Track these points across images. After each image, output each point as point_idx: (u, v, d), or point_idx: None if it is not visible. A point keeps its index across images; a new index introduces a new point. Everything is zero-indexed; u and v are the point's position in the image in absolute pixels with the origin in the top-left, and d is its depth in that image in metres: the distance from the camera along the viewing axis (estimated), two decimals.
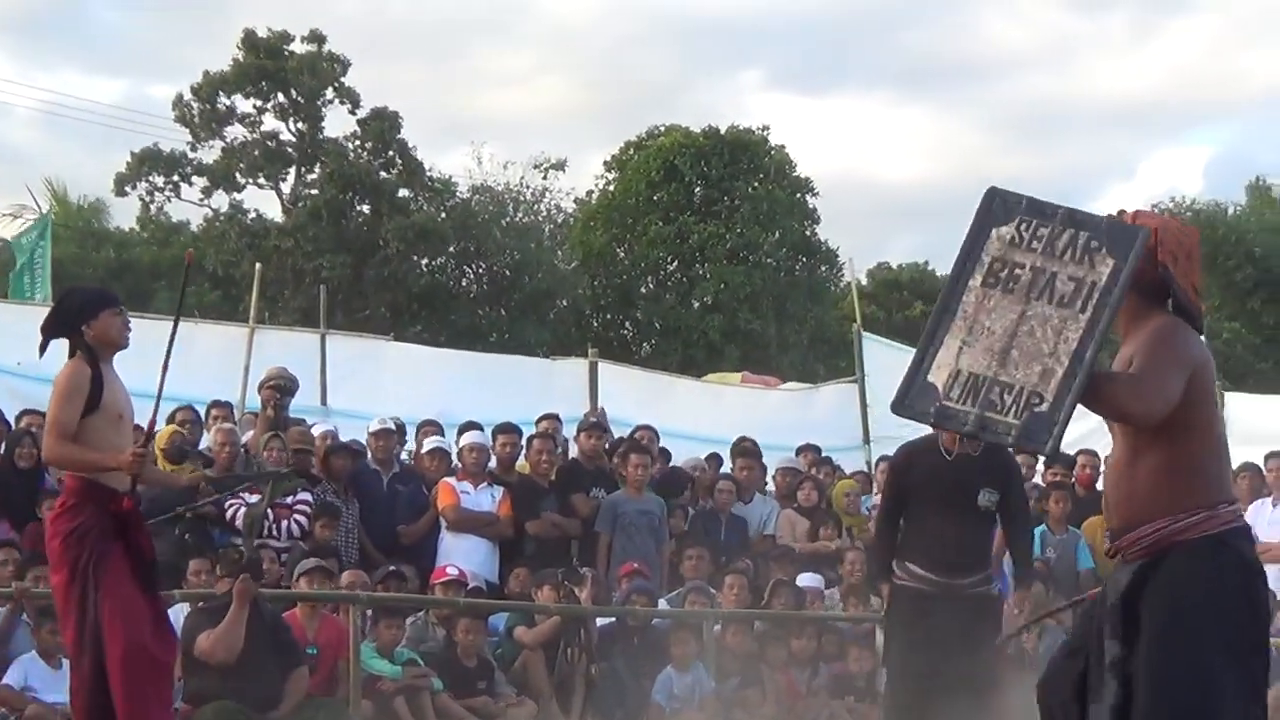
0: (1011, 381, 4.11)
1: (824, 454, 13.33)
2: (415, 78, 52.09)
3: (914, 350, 4.40)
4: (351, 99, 32.19)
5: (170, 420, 10.45)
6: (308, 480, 10.27)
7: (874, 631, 10.38)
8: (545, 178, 34.58)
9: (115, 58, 54.48)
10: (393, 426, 11.11)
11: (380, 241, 30.85)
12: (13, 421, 10.52)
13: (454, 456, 11.03)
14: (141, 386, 7.01)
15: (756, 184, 34.12)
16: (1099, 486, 12.15)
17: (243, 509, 9.70)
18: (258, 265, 15.77)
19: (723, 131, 34.32)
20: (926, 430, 8.73)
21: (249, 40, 31.79)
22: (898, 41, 59.40)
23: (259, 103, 32.07)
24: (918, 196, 59.44)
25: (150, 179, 32.30)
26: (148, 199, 32.66)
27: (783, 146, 35.07)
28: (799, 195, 34.96)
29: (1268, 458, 11.58)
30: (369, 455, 10.95)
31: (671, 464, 12.18)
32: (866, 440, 15.00)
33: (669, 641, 9.88)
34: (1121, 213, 4.54)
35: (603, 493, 10.91)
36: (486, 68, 54.06)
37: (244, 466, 10.49)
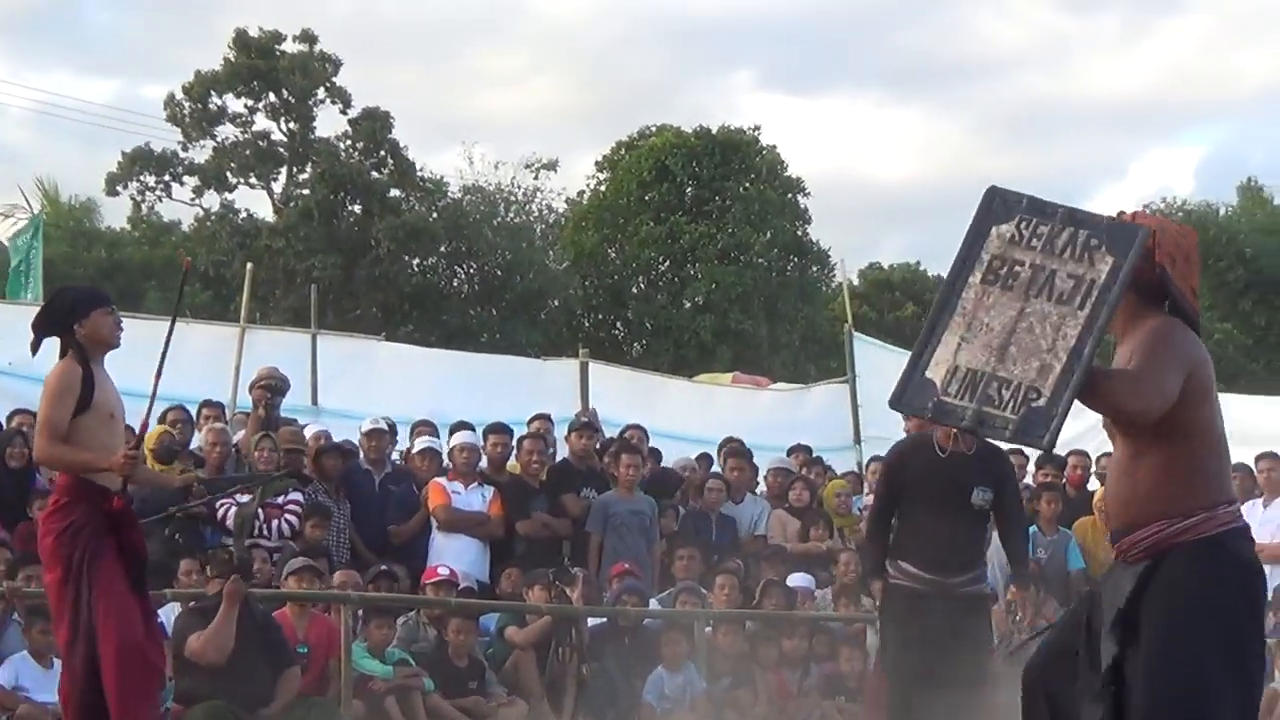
0: (1009, 377, 4.13)
1: (815, 454, 13.34)
2: (407, 78, 52.12)
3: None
4: (343, 99, 32.19)
5: (162, 420, 10.44)
6: (299, 480, 10.27)
7: (865, 632, 10.40)
8: (536, 178, 34.63)
9: (107, 57, 54.47)
10: (385, 427, 11.11)
11: (371, 241, 30.84)
12: (3, 421, 10.50)
13: (445, 456, 11.04)
14: (132, 385, 7.01)
15: (748, 184, 34.14)
16: (1090, 487, 12.20)
17: (234, 509, 9.70)
18: (249, 265, 15.75)
19: (714, 132, 34.34)
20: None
21: (240, 40, 31.77)
22: (889, 42, 59.51)
23: (250, 102, 32.06)
24: (909, 197, 59.54)
25: (141, 179, 32.26)
26: (139, 199, 32.66)
27: (774, 147, 35.13)
28: (790, 195, 34.99)
29: (1259, 459, 11.59)
30: (361, 455, 10.95)
31: (662, 464, 12.18)
32: (858, 440, 15.00)
33: (660, 642, 9.89)
34: (1121, 214, 4.55)
35: (593, 493, 10.92)
36: (478, 68, 54.09)
37: (235, 466, 10.49)
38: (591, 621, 9.94)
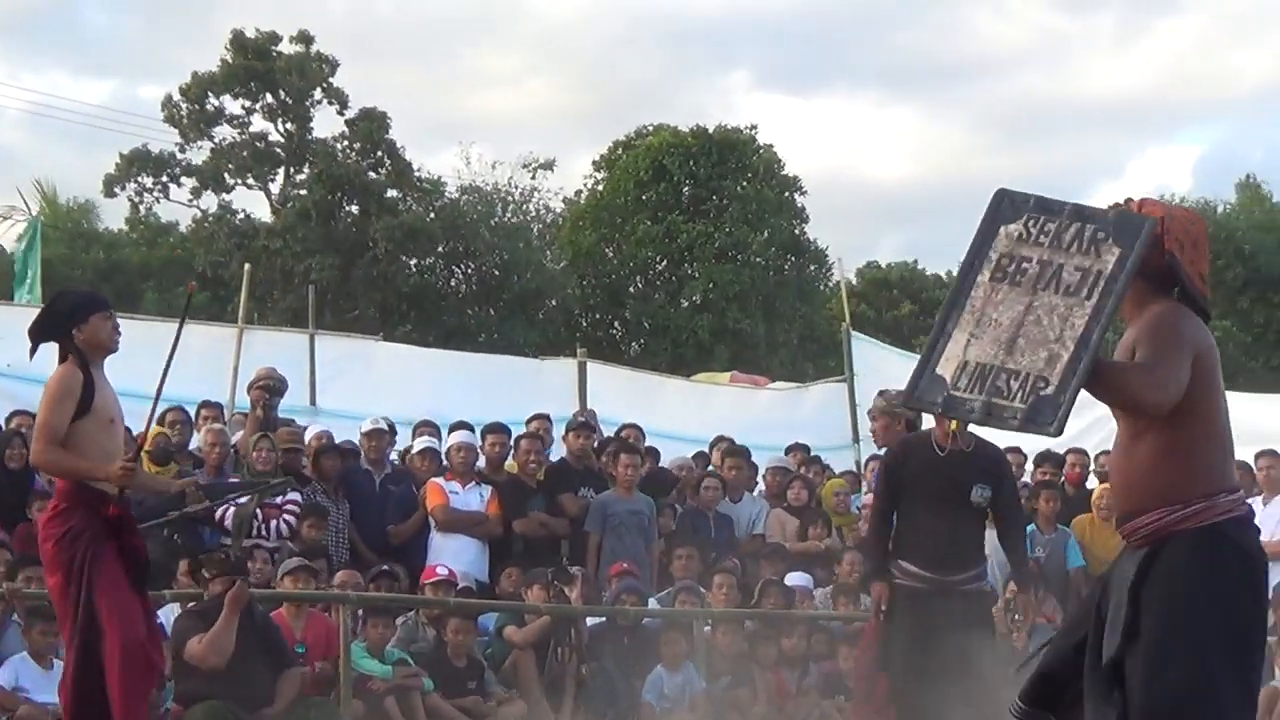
0: (1018, 368, 4.18)
1: (813, 453, 13.34)
2: (404, 78, 52.12)
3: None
4: (340, 99, 32.20)
5: (160, 421, 10.44)
6: (298, 480, 10.27)
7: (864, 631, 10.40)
8: (534, 177, 34.65)
9: (103, 59, 54.45)
10: (385, 427, 11.11)
11: (369, 242, 30.85)
12: (3, 422, 10.50)
13: (444, 456, 11.04)
14: (130, 386, 7.03)
15: (745, 183, 34.16)
16: (1089, 485, 12.20)
17: (232, 509, 9.69)
18: (246, 266, 15.75)
19: (711, 131, 34.35)
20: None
21: (237, 41, 31.79)
22: (886, 41, 59.55)
23: (247, 103, 32.08)
24: (907, 196, 59.58)
25: (139, 180, 32.28)
26: (137, 200, 32.66)
27: (771, 146, 35.16)
28: (787, 194, 35.00)
29: (1258, 456, 11.59)
30: (362, 456, 10.95)
31: (660, 464, 12.19)
32: (856, 439, 15.00)
33: (659, 641, 9.90)
34: (1128, 201, 4.57)
35: (591, 492, 10.92)
36: (475, 68, 54.11)
37: (234, 467, 10.49)
38: (590, 621, 9.94)
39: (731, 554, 11.16)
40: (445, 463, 10.91)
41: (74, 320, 6.56)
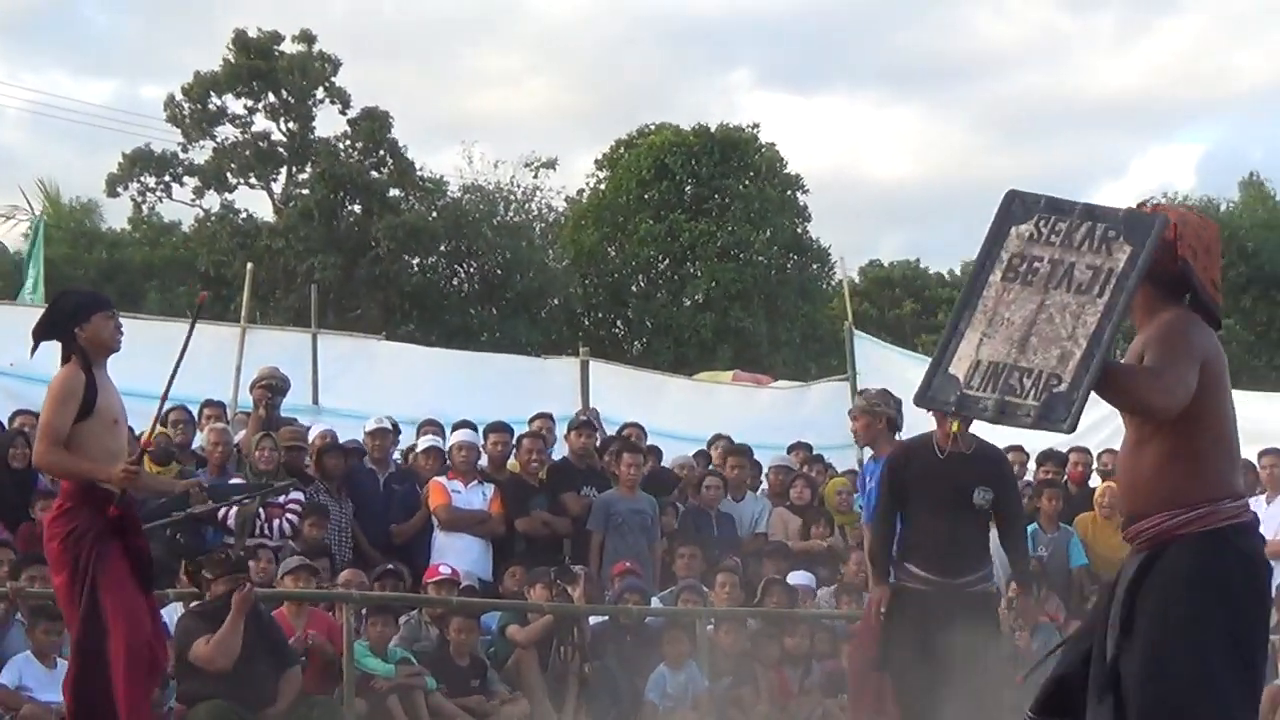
0: (1030, 366, 4.19)
1: (816, 452, 13.34)
2: (406, 77, 52.12)
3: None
4: (342, 99, 32.20)
5: (163, 421, 10.44)
6: (300, 479, 10.29)
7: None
8: (536, 176, 34.61)
9: (105, 58, 54.45)
10: (389, 426, 11.12)
11: (371, 241, 30.85)
12: (5, 422, 10.51)
13: (446, 455, 11.05)
14: (133, 386, 7.04)
15: (747, 182, 34.15)
16: (1091, 484, 12.21)
17: (235, 509, 9.70)
18: (249, 265, 15.76)
19: (713, 130, 34.34)
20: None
21: (240, 40, 31.79)
22: (888, 40, 59.52)
23: (250, 103, 32.07)
24: (908, 194, 59.58)
25: (142, 179, 32.29)
26: (139, 199, 32.68)
27: (773, 145, 35.13)
28: (789, 193, 34.99)
29: (1261, 455, 11.59)
30: (366, 455, 10.96)
31: (662, 463, 12.19)
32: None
33: (662, 640, 9.91)
34: (1142, 205, 4.58)
35: (593, 491, 10.93)
36: (477, 67, 54.09)
37: (236, 466, 10.50)
38: (593, 620, 9.95)
39: (733, 553, 11.17)
40: (449, 462, 10.93)
41: (77, 319, 6.57)
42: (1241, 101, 59.30)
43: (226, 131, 32.23)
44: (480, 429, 11.24)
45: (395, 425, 11.35)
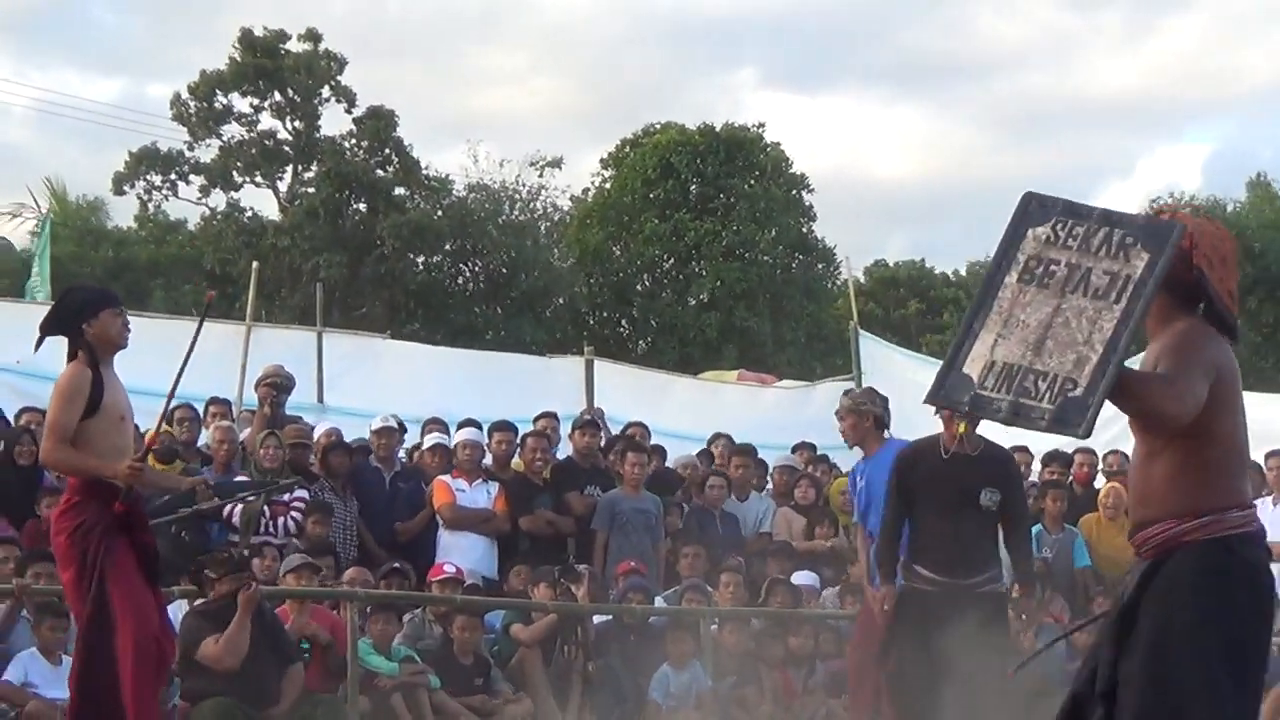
0: (1045, 369, 4.20)
1: (820, 452, 13.33)
2: (411, 76, 52.14)
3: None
4: (348, 97, 32.22)
5: (168, 419, 10.46)
6: (305, 478, 10.30)
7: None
8: (541, 175, 34.62)
9: (112, 57, 54.53)
10: (395, 424, 11.13)
11: (377, 240, 30.86)
12: (12, 419, 10.52)
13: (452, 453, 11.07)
14: (139, 384, 7.05)
15: (752, 181, 34.14)
16: (1096, 484, 12.20)
17: (240, 506, 9.71)
18: (255, 263, 15.79)
19: (718, 129, 34.33)
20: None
21: (246, 39, 31.81)
22: (893, 39, 59.50)
23: (256, 101, 32.10)
24: (914, 194, 59.61)
25: (148, 178, 32.32)
26: (145, 198, 32.72)
27: (778, 144, 35.13)
28: (795, 192, 34.98)
29: (1268, 456, 11.58)
30: (372, 453, 10.97)
31: (666, 463, 12.19)
32: None
33: (666, 639, 9.91)
34: (1159, 212, 4.58)
35: (597, 490, 10.94)
36: (482, 66, 54.11)
37: (241, 464, 10.52)
38: (597, 619, 9.95)
39: (737, 553, 11.17)
40: (454, 460, 10.94)
41: (84, 316, 6.58)
42: (1249, 101, 59.32)
43: (232, 130, 32.30)
44: (485, 428, 11.24)
45: (401, 424, 11.36)
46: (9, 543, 9.12)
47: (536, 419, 11.96)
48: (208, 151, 32.24)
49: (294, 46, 32.04)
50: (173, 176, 32.38)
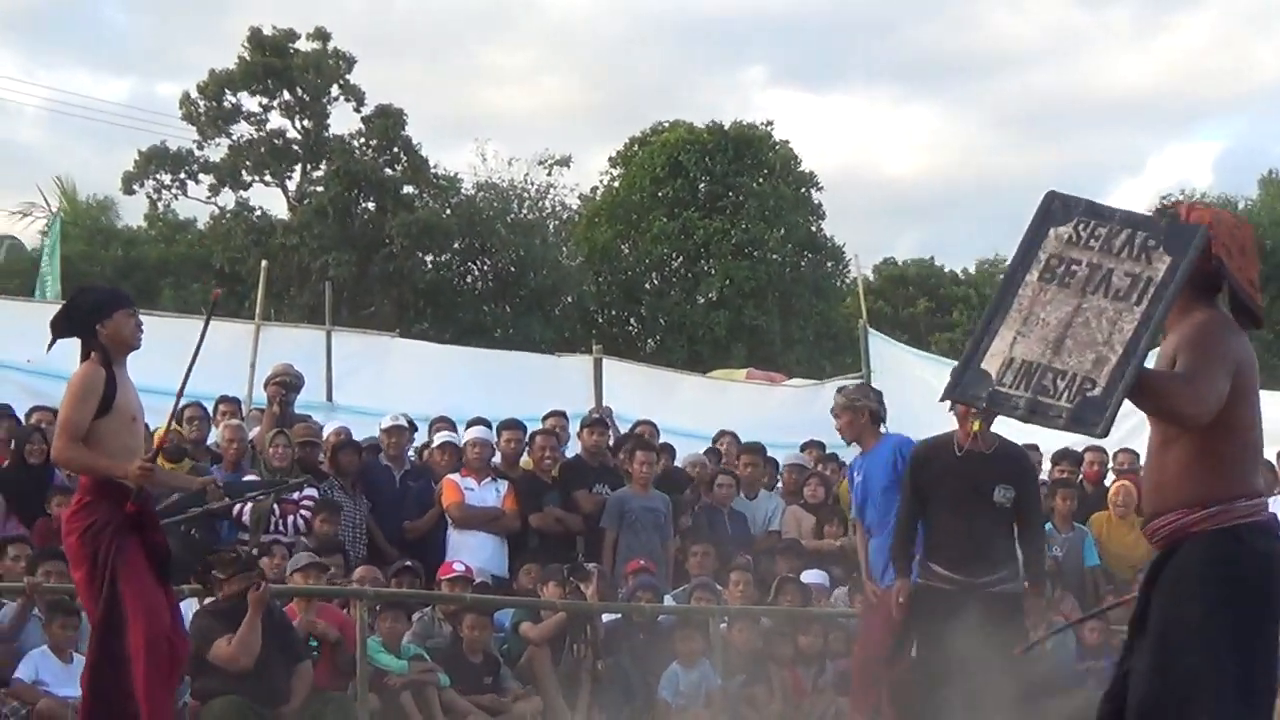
0: (1064, 368, 4.21)
1: (829, 450, 13.32)
2: (420, 75, 52.17)
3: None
4: (356, 96, 32.26)
5: (178, 418, 10.47)
6: (314, 476, 10.31)
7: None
8: (550, 174, 34.64)
9: (121, 56, 54.62)
10: (405, 423, 11.14)
11: (385, 238, 30.90)
12: (23, 417, 10.54)
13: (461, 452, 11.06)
14: (148, 383, 7.05)
15: (761, 180, 34.13)
16: (1106, 483, 12.17)
17: (249, 504, 9.72)
18: (264, 262, 15.78)
19: (726, 127, 34.33)
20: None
21: (255, 38, 31.86)
22: (902, 37, 59.47)
23: (265, 100, 32.15)
24: (923, 192, 59.57)
25: (157, 177, 32.38)
26: (155, 197, 32.77)
27: (787, 142, 35.13)
28: (803, 191, 34.97)
29: None
30: (382, 452, 10.97)
31: (674, 461, 12.19)
32: None
33: (675, 638, 9.90)
34: (1177, 203, 4.58)
35: (606, 489, 10.94)
36: (490, 64, 54.16)
37: (251, 462, 10.53)
38: (606, 617, 9.95)
39: (746, 551, 11.16)
40: (463, 459, 10.94)
41: (97, 316, 6.59)
42: (1260, 98, 59.30)
43: (241, 129, 32.37)
44: (494, 426, 11.25)
45: (411, 422, 11.36)
46: (20, 541, 9.15)
47: (545, 417, 11.97)
48: (217, 151, 32.34)
49: (303, 46, 32.10)
50: (182, 176, 32.45)
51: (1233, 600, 4.34)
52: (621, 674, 9.69)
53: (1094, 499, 11.91)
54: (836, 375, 20.43)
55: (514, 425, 11.29)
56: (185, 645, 6.81)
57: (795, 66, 60.06)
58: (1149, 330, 4.20)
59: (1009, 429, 8.08)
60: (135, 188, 32.44)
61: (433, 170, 32.76)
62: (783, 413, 15.22)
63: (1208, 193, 38.13)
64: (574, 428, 12.04)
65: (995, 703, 7.43)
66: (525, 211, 33.99)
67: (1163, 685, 4.32)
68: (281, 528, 9.96)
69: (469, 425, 11.24)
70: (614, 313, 35.04)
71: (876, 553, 8.63)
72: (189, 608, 8.65)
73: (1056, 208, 4.44)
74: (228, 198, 32.44)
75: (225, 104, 32.00)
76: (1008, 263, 4.51)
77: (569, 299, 33.44)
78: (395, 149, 32.21)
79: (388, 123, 31.92)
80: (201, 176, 32.43)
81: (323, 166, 32.17)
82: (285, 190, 32.75)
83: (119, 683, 6.38)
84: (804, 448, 13.10)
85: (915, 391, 15.17)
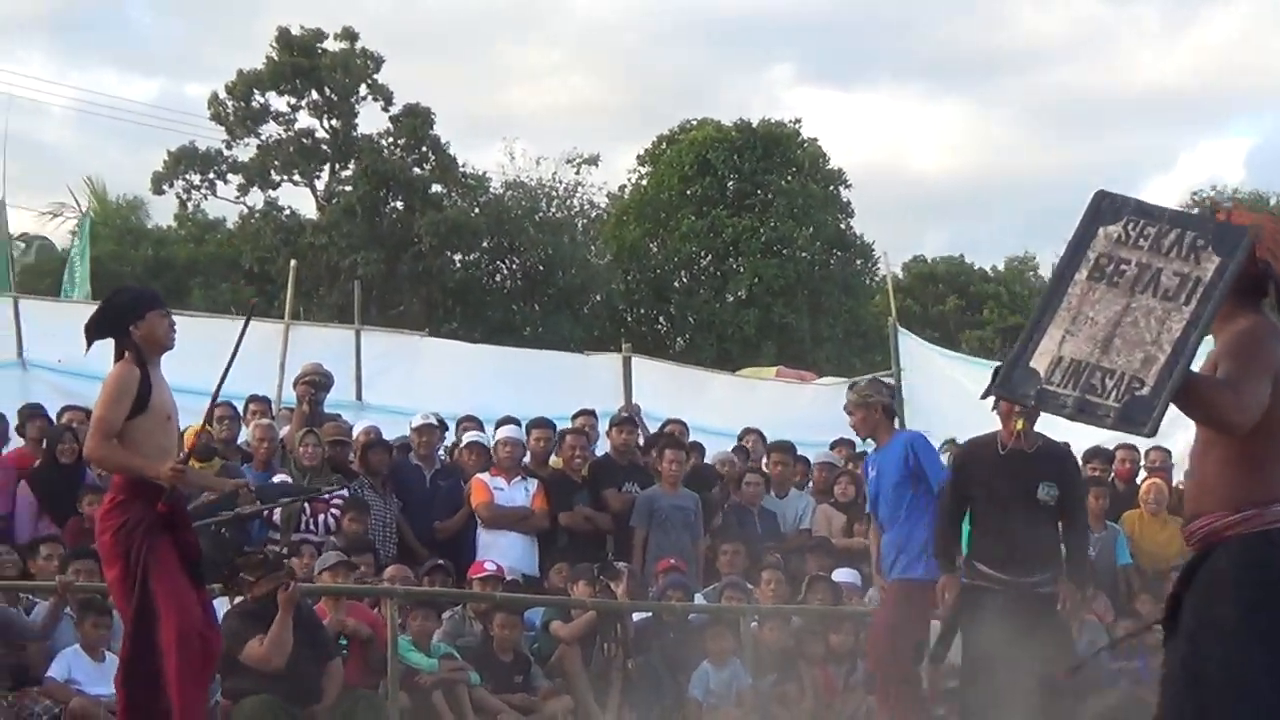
0: (1113, 367, 4.20)
1: (860, 449, 13.27)
2: (448, 74, 52.25)
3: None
4: (384, 96, 32.34)
5: (208, 420, 10.48)
6: (345, 475, 10.32)
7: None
8: (578, 173, 34.67)
9: (150, 57, 54.84)
10: (435, 422, 11.14)
11: (414, 237, 30.96)
12: (54, 417, 10.58)
13: (491, 451, 11.06)
14: (175, 382, 7.06)
15: (789, 177, 34.09)
16: (1138, 480, 12.10)
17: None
18: (293, 262, 15.82)
19: (755, 125, 34.28)
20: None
21: (283, 38, 31.96)
22: (930, 33, 59.27)
23: (293, 100, 32.25)
24: (952, 189, 59.38)
25: (187, 177, 32.51)
26: (184, 197, 32.90)
27: (815, 140, 35.08)
28: (832, 189, 34.90)
29: None
30: (412, 451, 10.98)
31: (704, 459, 12.16)
32: None
33: (706, 636, 9.88)
34: (1217, 208, 4.57)
35: (635, 488, 10.92)
36: (518, 64, 54.18)
37: (281, 462, 10.55)
38: (637, 616, 9.94)
39: (776, 550, 11.13)
40: (493, 458, 10.94)
41: (131, 317, 6.62)
42: None
43: (270, 129, 32.49)
44: (523, 425, 11.24)
45: (441, 421, 11.36)
46: (52, 540, 9.18)
47: (575, 416, 11.96)
48: (246, 150, 32.47)
49: (331, 45, 32.19)
50: (211, 176, 32.59)
51: (1265, 604, 4.33)
52: (652, 673, 9.68)
53: (1125, 497, 11.84)
54: (866, 373, 20.39)
55: (543, 424, 11.28)
56: (218, 641, 6.83)
57: (823, 64, 60.04)
58: (1197, 330, 4.19)
59: (1040, 424, 8.06)
60: (165, 188, 32.61)
61: (461, 169, 32.83)
62: (813, 411, 15.18)
63: (1239, 189, 37.95)
64: (603, 426, 12.03)
65: (1037, 701, 7.40)
66: (554, 210, 34.03)
67: (1188, 690, 4.32)
68: (312, 527, 9.97)
69: (499, 424, 11.23)
70: (643, 311, 35.04)
71: (887, 547, 8.62)
72: (219, 608, 8.67)
73: (1106, 207, 4.44)
74: (256, 197, 32.62)
75: (254, 104, 32.12)
76: (1057, 261, 4.51)
77: (598, 297, 33.46)
78: (423, 148, 32.28)
79: (416, 122, 31.98)
80: (230, 176, 32.58)
81: (351, 166, 32.26)
82: (314, 190, 32.84)
83: (153, 679, 6.40)
84: (834, 446, 13.06)
85: (944, 390, 15.14)
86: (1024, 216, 57.93)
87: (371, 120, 32.55)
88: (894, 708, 8.50)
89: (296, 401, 11.41)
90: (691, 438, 12.18)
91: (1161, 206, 4.46)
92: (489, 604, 9.53)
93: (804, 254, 33.66)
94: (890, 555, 8.53)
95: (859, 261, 35.53)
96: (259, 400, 11.56)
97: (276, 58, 31.85)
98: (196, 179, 32.57)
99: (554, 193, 34.31)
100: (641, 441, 11.65)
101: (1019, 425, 7.91)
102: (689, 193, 33.85)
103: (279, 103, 32.26)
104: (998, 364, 4.59)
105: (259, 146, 32.35)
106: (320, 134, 32.52)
